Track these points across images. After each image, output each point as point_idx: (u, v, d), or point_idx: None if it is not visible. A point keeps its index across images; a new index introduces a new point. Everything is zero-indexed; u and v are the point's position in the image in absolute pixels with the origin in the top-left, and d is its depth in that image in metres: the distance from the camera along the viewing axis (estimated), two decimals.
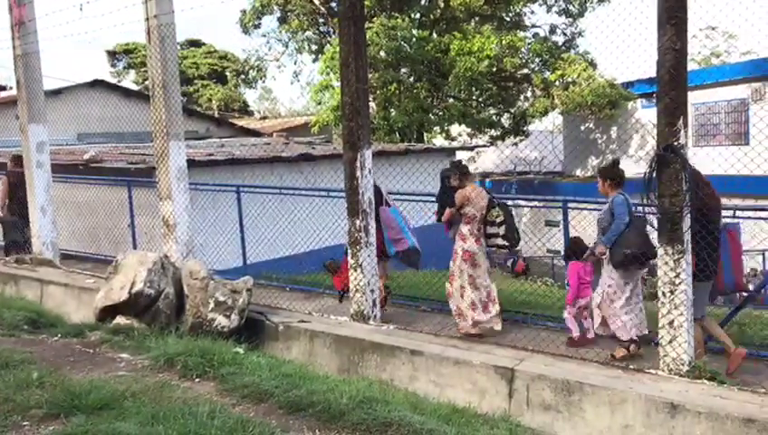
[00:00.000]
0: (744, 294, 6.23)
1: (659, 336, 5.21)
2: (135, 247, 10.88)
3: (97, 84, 22.85)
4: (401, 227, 7.45)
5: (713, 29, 30.60)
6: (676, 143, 5.00)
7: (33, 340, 6.22)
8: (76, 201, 12.09)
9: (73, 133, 20.48)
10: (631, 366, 5.36)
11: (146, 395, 4.49)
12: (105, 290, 6.94)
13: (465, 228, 6.80)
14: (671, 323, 5.09)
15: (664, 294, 5.12)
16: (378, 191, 7.31)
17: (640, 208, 5.98)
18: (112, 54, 42.66)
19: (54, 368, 5.16)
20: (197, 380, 4.99)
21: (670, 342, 5.11)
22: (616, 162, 6.22)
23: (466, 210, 6.77)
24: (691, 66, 5.16)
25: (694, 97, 18.62)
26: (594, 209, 7.35)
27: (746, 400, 4.60)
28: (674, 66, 4.98)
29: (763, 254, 14.88)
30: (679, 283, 5.04)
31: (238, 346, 6.10)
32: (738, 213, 6.05)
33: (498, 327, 6.71)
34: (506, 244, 6.74)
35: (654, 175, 5.15)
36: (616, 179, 6.10)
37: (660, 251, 5.14)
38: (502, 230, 6.70)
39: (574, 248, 6.62)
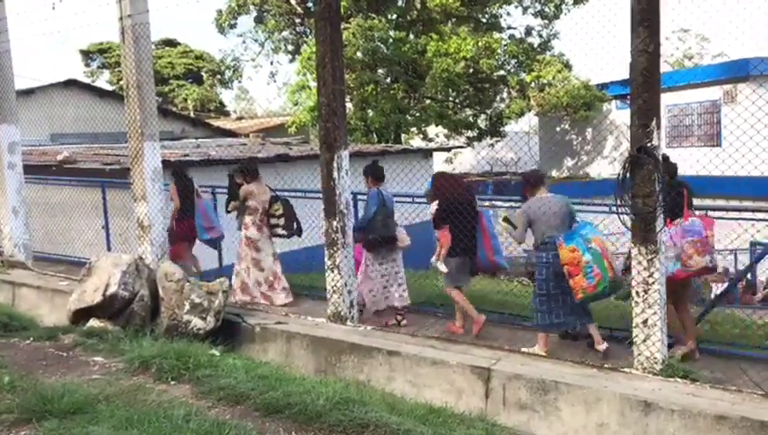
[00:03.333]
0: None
1: (633, 335, 5.27)
2: (109, 249, 10.75)
3: (70, 84, 22.53)
4: (213, 217, 8.86)
5: (685, 31, 31.02)
6: (649, 144, 5.06)
7: (5, 343, 6.12)
8: (49, 202, 11.92)
9: (46, 134, 20.18)
10: (606, 365, 5.41)
11: (120, 398, 4.44)
12: (78, 292, 6.85)
13: (248, 219, 8.02)
14: (645, 322, 5.15)
15: (638, 293, 5.18)
16: (191, 183, 8.64)
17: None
18: (86, 54, 42.11)
19: (26, 372, 5.09)
20: (173, 382, 4.94)
21: (644, 340, 5.17)
22: (375, 162, 7.38)
23: (249, 203, 7.97)
24: (664, 68, 5.22)
25: (667, 99, 18.88)
26: None
27: (718, 397, 4.67)
28: (647, 68, 5.04)
29: (735, 253, 15.09)
30: (653, 282, 5.10)
31: (214, 348, 6.06)
32: (709, 213, 6.13)
33: (280, 301, 7.90)
34: (286, 233, 8.02)
35: (628, 176, 5.20)
36: (375, 176, 7.26)
37: (634, 251, 5.20)
38: (281, 222, 7.97)
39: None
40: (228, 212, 8.36)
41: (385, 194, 7.23)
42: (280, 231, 7.99)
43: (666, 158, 5.74)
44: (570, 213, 6.12)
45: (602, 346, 5.83)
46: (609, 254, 5.77)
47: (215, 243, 9.06)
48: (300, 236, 8.13)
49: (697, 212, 6.04)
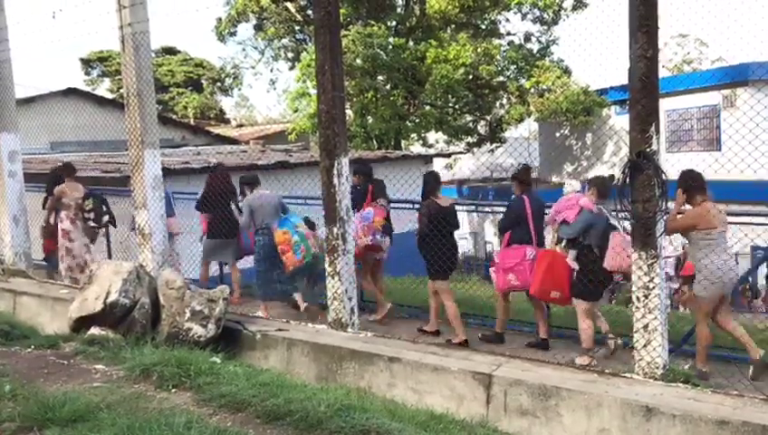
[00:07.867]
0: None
1: (634, 340, 5.26)
2: (110, 257, 10.77)
3: (70, 92, 22.60)
4: None
5: (684, 37, 31.13)
6: (648, 150, 5.07)
7: (6, 352, 6.12)
8: None
9: (47, 142, 20.23)
10: (607, 370, 5.41)
11: (121, 406, 4.44)
12: (79, 300, 6.85)
13: (63, 214, 9.37)
14: (645, 326, 5.15)
15: (638, 298, 5.17)
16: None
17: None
18: (86, 62, 42.21)
19: (28, 380, 5.08)
20: (174, 390, 4.94)
21: (645, 346, 5.16)
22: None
23: (63, 200, 9.36)
24: (663, 73, 5.25)
25: (666, 104, 18.89)
26: None
27: (720, 402, 4.66)
28: (645, 74, 5.05)
29: (735, 257, 15.06)
30: (653, 287, 5.09)
31: (215, 356, 6.05)
32: None
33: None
34: (96, 225, 9.52)
35: (627, 181, 5.21)
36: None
37: (634, 256, 5.20)
38: (92, 215, 9.42)
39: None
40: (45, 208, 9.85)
41: (166, 190, 8.57)
42: (91, 223, 9.47)
43: (363, 163, 8.00)
44: (282, 205, 8.06)
45: (303, 307, 7.86)
46: (311, 235, 7.73)
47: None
48: (114, 226, 9.75)
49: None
